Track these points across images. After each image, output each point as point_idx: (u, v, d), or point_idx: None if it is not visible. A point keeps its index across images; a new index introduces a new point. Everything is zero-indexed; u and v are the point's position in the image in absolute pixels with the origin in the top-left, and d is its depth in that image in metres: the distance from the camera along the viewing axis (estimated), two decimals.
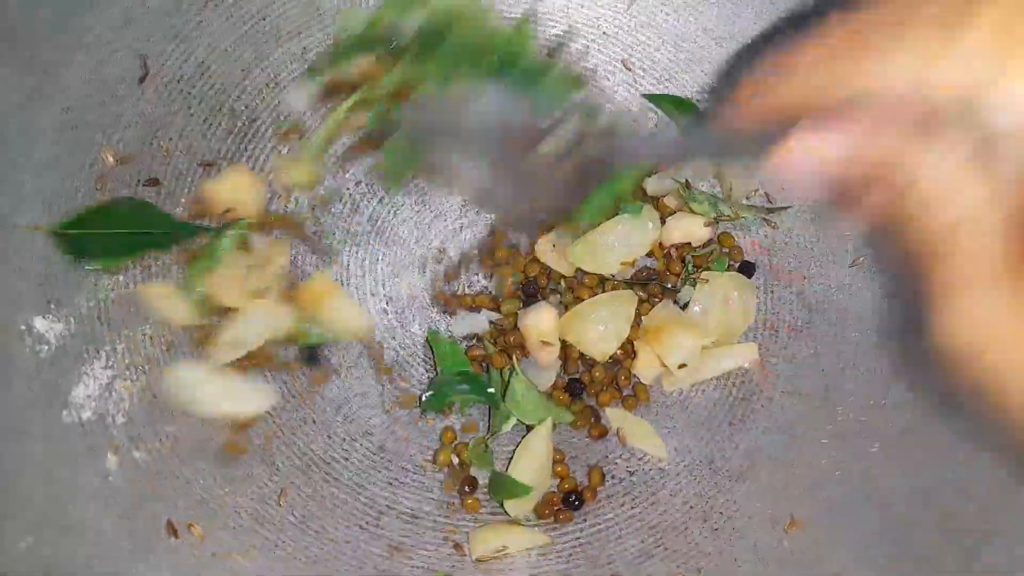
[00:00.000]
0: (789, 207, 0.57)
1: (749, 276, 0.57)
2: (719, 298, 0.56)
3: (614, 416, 0.55)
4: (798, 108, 0.31)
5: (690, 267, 0.57)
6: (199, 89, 0.54)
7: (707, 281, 0.56)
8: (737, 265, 0.58)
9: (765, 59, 0.31)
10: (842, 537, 0.48)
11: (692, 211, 0.56)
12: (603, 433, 0.55)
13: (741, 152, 0.35)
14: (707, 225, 0.57)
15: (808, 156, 0.30)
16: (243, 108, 0.56)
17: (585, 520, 0.53)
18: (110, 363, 0.49)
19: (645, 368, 0.55)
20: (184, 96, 0.54)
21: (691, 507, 0.52)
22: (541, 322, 0.53)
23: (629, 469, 0.54)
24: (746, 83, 0.33)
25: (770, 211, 0.57)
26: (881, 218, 0.29)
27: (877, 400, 0.52)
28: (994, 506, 0.47)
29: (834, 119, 0.29)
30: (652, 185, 0.57)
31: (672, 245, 0.57)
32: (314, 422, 0.53)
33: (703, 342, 0.54)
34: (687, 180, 0.57)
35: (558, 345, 0.54)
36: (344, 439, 0.53)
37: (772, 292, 0.57)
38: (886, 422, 0.51)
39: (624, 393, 0.56)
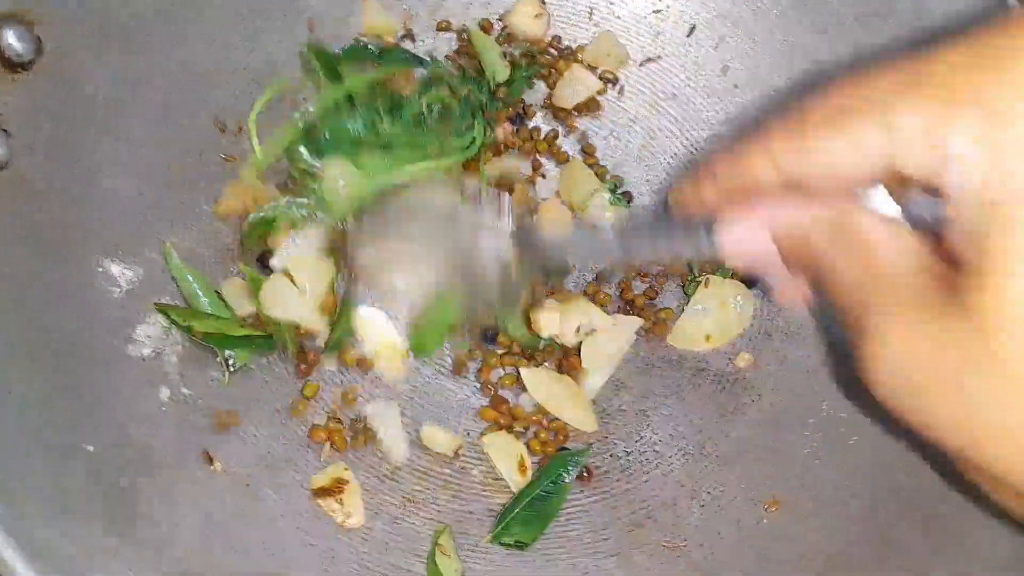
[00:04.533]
0: None
1: (750, 287, 0.63)
2: (717, 301, 0.61)
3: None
4: (741, 194, 0.34)
5: (695, 269, 0.62)
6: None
7: (707, 285, 0.61)
8: (741, 275, 0.63)
9: (710, 158, 0.36)
10: (817, 517, 0.53)
11: None
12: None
13: (683, 243, 0.37)
14: None
15: (755, 229, 0.34)
16: (311, 109, 0.62)
17: (583, 491, 0.57)
18: None
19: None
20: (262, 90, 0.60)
21: (681, 485, 0.57)
22: None
23: (626, 449, 0.59)
24: (692, 179, 0.37)
25: None
26: (817, 275, 0.32)
27: (859, 398, 0.56)
28: (962, 503, 0.51)
29: (773, 200, 0.33)
30: None
31: None
32: (339, 382, 0.58)
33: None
34: None
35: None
36: (365, 398, 0.58)
37: (769, 300, 0.62)
38: (866, 417, 0.55)
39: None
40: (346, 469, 0.54)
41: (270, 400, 0.55)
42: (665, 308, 0.62)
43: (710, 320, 0.61)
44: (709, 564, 0.52)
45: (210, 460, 0.51)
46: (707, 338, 0.61)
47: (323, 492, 0.53)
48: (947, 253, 0.29)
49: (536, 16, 0.65)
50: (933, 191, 0.29)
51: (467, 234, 0.49)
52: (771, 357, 0.60)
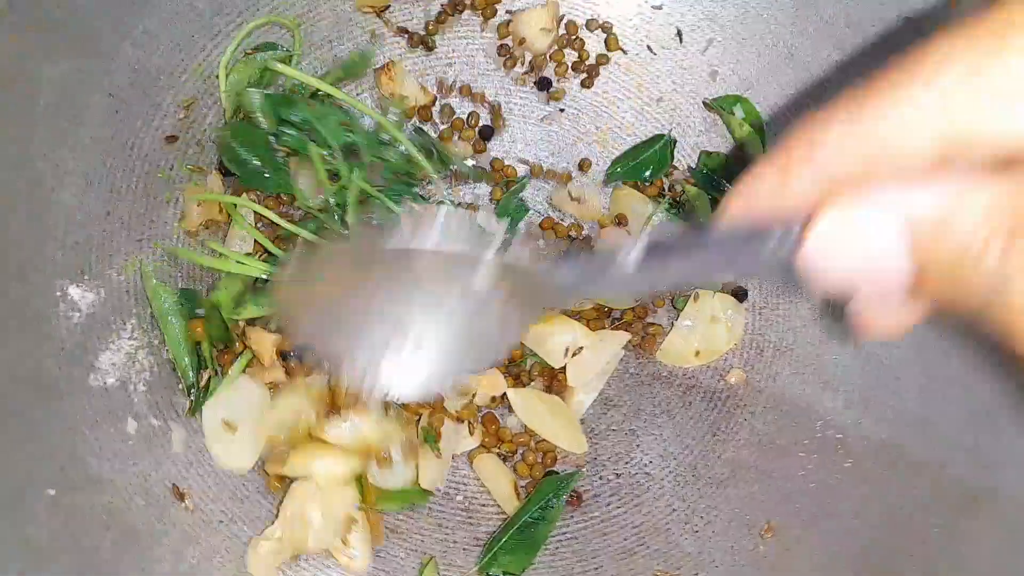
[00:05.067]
0: None
1: (741, 301, 0.61)
2: (707, 316, 0.59)
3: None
4: (814, 197, 0.24)
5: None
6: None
7: (697, 299, 0.59)
8: (731, 289, 0.61)
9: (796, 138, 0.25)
10: (812, 544, 0.51)
11: None
12: None
13: (743, 262, 0.28)
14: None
15: (872, 222, 0.24)
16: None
17: (572, 516, 0.55)
18: (135, 335, 0.51)
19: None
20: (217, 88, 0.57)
21: (673, 510, 0.55)
22: None
23: (616, 471, 0.57)
24: (755, 172, 0.26)
25: None
26: (988, 293, 0.22)
27: (854, 419, 0.55)
28: (957, 527, 0.50)
29: (864, 195, 0.24)
30: None
31: None
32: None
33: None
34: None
35: None
36: None
37: (760, 314, 0.61)
38: (861, 440, 0.54)
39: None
40: (360, 509, 0.51)
41: None
42: (654, 323, 0.61)
43: (699, 335, 0.59)
44: None
45: (180, 496, 0.48)
46: (696, 354, 0.60)
47: None
48: None
49: (543, 30, 0.62)
50: None
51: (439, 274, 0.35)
52: (763, 374, 0.59)
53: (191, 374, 0.51)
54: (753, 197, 0.25)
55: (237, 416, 0.50)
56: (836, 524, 0.51)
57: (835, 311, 0.55)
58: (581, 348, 0.57)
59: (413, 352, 0.35)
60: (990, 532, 0.47)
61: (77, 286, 0.49)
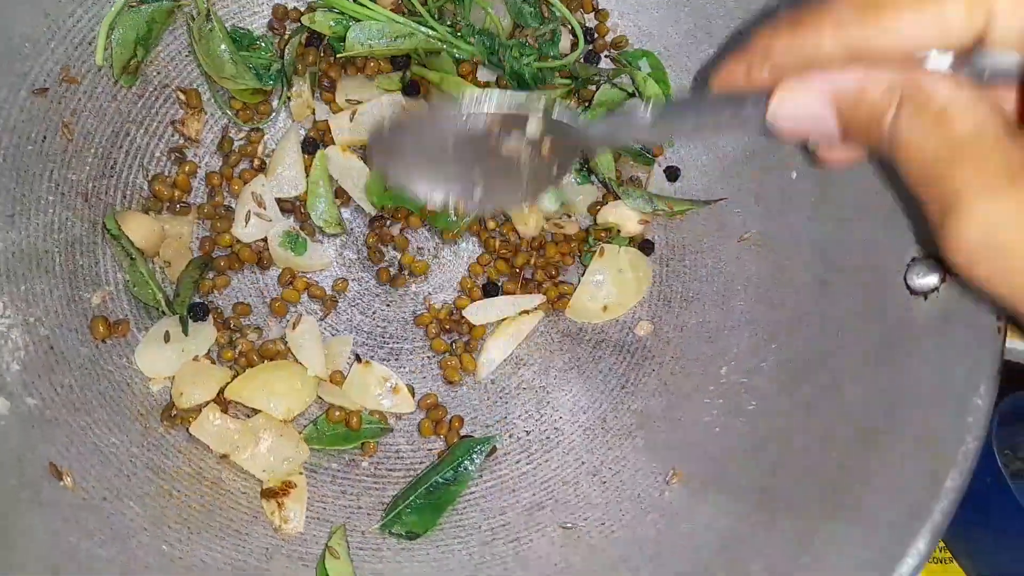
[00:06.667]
0: (723, 199, 0.59)
1: (647, 254, 0.60)
2: (614, 270, 0.59)
3: None
4: (796, 69, 0.33)
5: (592, 239, 0.60)
6: (110, 51, 0.55)
7: (602, 255, 0.59)
8: (638, 243, 0.60)
9: (761, 35, 0.34)
10: (717, 487, 0.51)
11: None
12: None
13: (729, 118, 0.37)
14: (641, 223, 0.60)
15: (814, 100, 0.32)
16: (155, 73, 0.57)
17: (481, 476, 0.54)
18: (7, 313, 0.49)
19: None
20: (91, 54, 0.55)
21: (583, 463, 0.55)
22: None
23: (526, 429, 0.57)
24: (748, 48, 0.35)
25: (706, 203, 0.60)
26: (887, 142, 0.31)
27: (756, 363, 0.54)
28: (852, 462, 0.49)
29: (831, 71, 0.32)
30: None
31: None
32: None
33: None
34: (623, 180, 0.60)
35: None
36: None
37: (668, 265, 0.60)
38: (763, 382, 0.53)
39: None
40: (300, 474, 0.51)
41: (128, 404, 0.51)
42: (566, 283, 0.60)
43: (606, 290, 0.59)
44: (609, 542, 0.51)
45: (59, 475, 0.46)
46: (604, 309, 0.59)
47: (268, 494, 0.50)
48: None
49: None
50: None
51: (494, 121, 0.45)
52: (671, 324, 0.59)
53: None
54: (729, 82, 0.36)
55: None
56: (739, 466, 0.51)
57: (805, 148, 0.58)
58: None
59: (485, 186, 0.47)
60: (884, 467, 0.47)
61: None
